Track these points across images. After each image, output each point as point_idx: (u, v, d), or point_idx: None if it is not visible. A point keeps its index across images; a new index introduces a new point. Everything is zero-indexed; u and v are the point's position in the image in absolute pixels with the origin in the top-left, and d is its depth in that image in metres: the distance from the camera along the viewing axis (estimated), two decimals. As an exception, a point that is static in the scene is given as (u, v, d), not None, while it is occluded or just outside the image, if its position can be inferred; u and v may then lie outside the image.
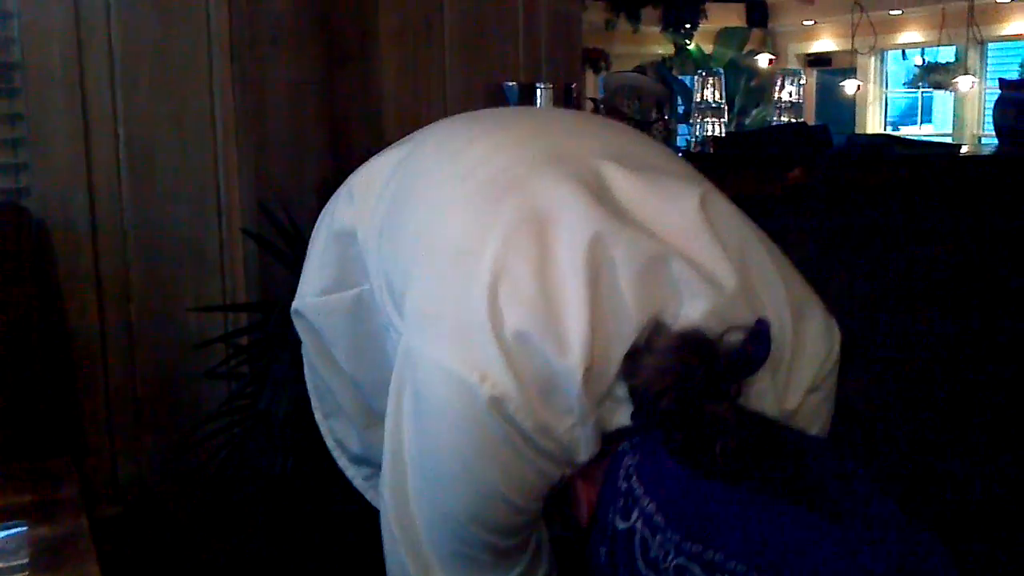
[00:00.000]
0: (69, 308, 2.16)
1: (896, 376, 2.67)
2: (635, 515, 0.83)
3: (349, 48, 2.34)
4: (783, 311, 0.93)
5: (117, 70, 2.14)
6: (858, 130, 11.46)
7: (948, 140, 10.87)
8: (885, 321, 2.74)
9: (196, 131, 2.21)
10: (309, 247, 1.25)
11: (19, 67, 2.10)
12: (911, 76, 10.65)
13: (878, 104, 11.61)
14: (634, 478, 0.85)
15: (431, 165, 1.05)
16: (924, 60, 10.60)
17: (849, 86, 11.16)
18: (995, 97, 3.67)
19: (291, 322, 1.99)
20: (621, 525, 0.84)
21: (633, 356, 0.87)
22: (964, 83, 9.85)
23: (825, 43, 11.72)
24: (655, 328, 0.88)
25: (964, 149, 3.85)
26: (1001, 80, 3.88)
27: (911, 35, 10.78)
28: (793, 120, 2.96)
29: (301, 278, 1.24)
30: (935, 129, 11.85)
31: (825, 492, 0.80)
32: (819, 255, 2.70)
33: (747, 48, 11.60)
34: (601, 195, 0.93)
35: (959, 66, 9.99)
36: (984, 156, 3.44)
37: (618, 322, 0.87)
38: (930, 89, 10.57)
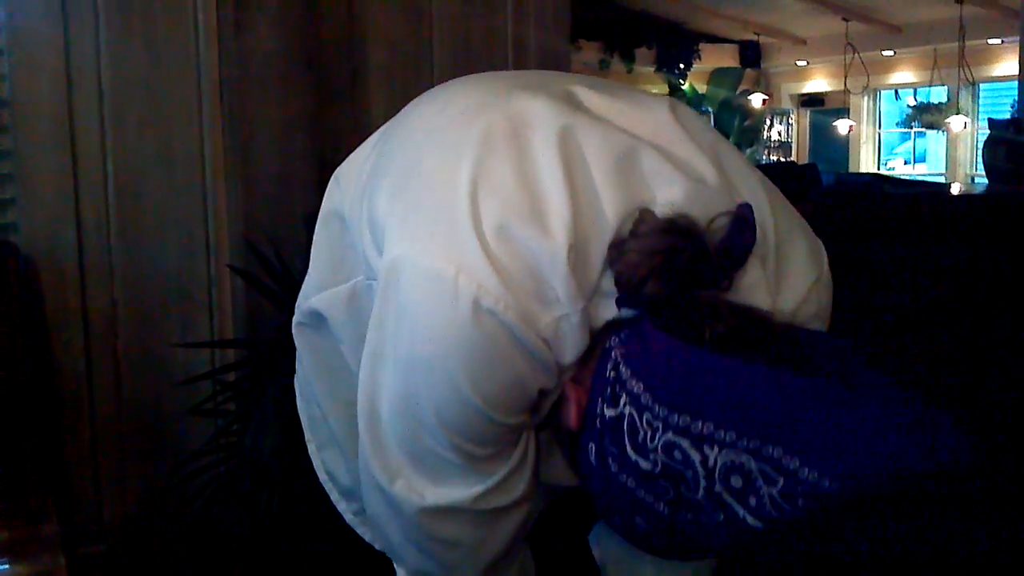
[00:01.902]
0: (55, 343, 2.15)
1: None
2: (623, 400, 0.81)
3: (338, 86, 2.35)
4: (763, 205, 0.92)
5: (106, 107, 2.15)
6: (852, 169, 11.53)
7: (941, 179, 10.94)
8: (876, 359, 2.73)
9: (184, 168, 2.21)
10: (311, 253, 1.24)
11: (8, 104, 2.11)
12: (904, 116, 10.73)
13: (871, 144, 11.69)
14: (622, 365, 0.82)
15: (409, 119, 1.03)
16: (917, 100, 10.69)
17: (842, 126, 11.24)
18: (987, 120, 3.72)
19: (278, 359, 2.00)
20: (609, 413, 0.83)
21: (617, 245, 0.85)
22: (956, 123, 9.93)
23: (818, 83, 11.82)
24: (639, 216, 0.86)
25: (954, 188, 3.87)
26: (990, 120, 3.92)
27: (904, 75, 10.88)
28: (782, 159, 2.97)
29: (303, 285, 1.22)
30: (928, 169, 11.92)
31: (820, 365, 0.78)
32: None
33: (741, 88, 11.70)
34: (573, 104, 0.94)
35: (951, 106, 10.08)
36: (973, 195, 3.46)
37: (597, 212, 0.85)
38: (923, 129, 10.64)
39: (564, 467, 1.01)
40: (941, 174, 10.91)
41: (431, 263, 0.84)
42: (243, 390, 2.10)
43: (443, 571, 0.98)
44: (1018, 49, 9.13)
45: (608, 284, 0.86)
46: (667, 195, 0.87)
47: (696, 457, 0.76)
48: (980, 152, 9.91)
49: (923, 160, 12.09)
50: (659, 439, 0.78)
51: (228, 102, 2.24)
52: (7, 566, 1.33)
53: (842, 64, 10.43)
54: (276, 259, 2.16)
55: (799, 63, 11.54)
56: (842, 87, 10.87)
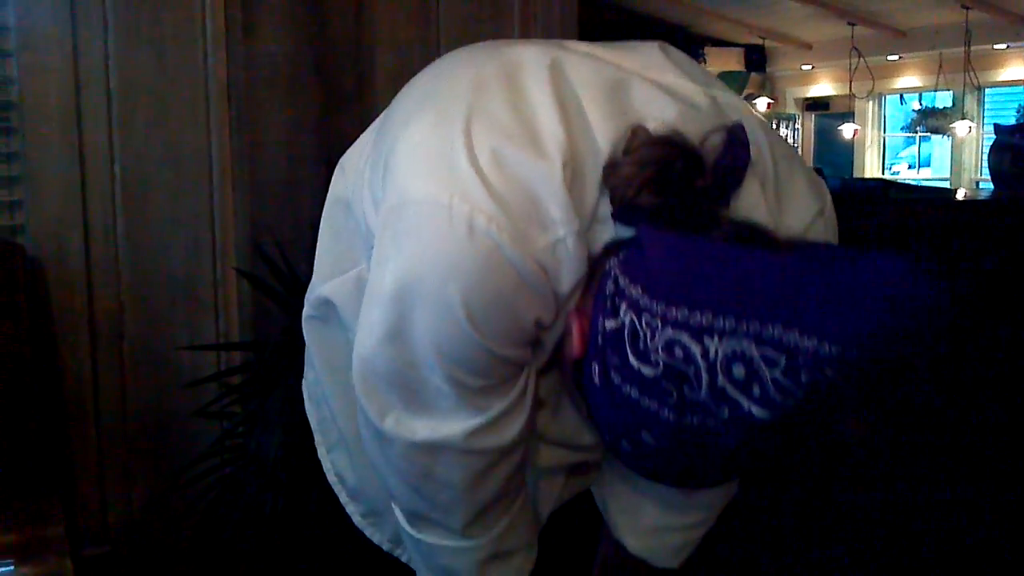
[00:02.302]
0: (61, 345, 2.16)
1: (895, 419, 2.67)
2: (622, 309, 0.80)
3: (345, 89, 2.36)
4: (757, 130, 0.92)
5: (114, 110, 2.16)
6: (856, 174, 11.52)
7: (946, 184, 10.93)
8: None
9: (192, 171, 2.22)
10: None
11: (16, 106, 2.12)
12: (909, 120, 10.72)
13: (876, 148, 11.68)
14: (620, 276, 0.82)
15: (405, 91, 1.03)
16: (922, 104, 10.68)
17: (847, 130, 11.24)
18: (992, 126, 3.72)
19: (284, 362, 2.00)
20: (610, 325, 0.81)
21: (611, 164, 0.85)
22: (961, 128, 9.92)
23: (823, 87, 11.81)
24: (632, 133, 0.86)
25: (960, 194, 3.87)
26: (996, 126, 3.92)
27: (909, 80, 10.87)
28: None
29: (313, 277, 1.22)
30: (933, 173, 11.92)
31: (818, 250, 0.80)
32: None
33: (746, 92, 11.69)
34: (563, 47, 0.96)
35: (956, 111, 10.07)
36: (978, 201, 3.46)
37: (589, 138, 0.85)
38: (928, 134, 10.63)
39: (572, 421, 1.02)
40: (946, 179, 10.90)
41: (427, 193, 0.84)
42: (249, 393, 2.11)
43: (435, 512, 0.98)
44: (1023, 54, 9.14)
45: (605, 208, 0.86)
46: (659, 117, 0.87)
47: (697, 350, 0.75)
48: (985, 157, 9.91)
49: (928, 164, 12.09)
50: (659, 338, 0.77)
51: (235, 105, 2.24)
52: (13, 568, 1.34)
53: (847, 68, 10.42)
54: (282, 262, 2.16)
55: (804, 67, 11.53)
56: (847, 91, 10.86)
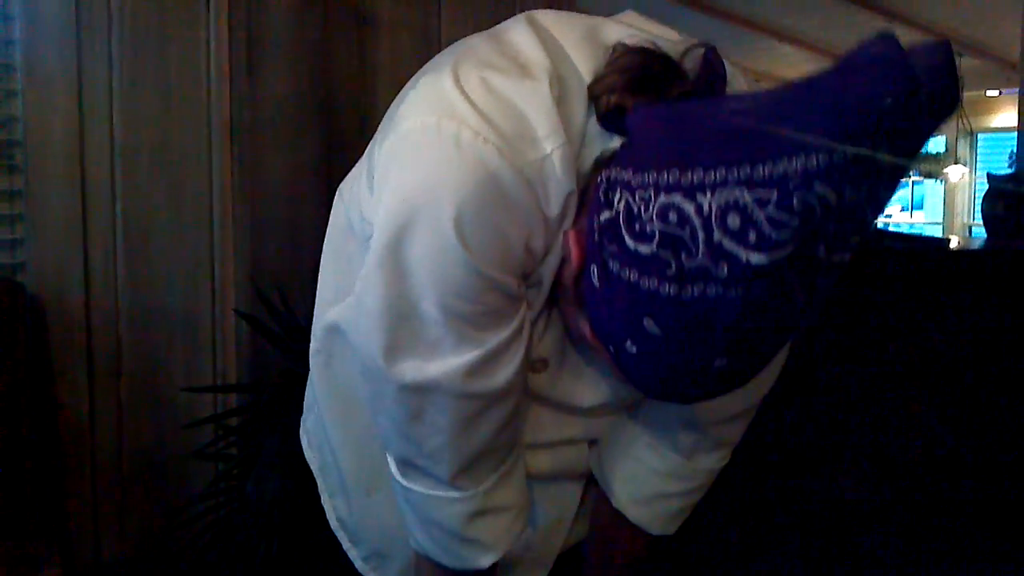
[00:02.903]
0: (59, 383, 2.15)
1: (888, 472, 2.66)
2: (616, 196, 0.80)
3: (348, 131, 2.37)
4: (733, 68, 0.93)
5: (117, 149, 2.17)
6: (850, 217, 11.57)
7: (939, 228, 10.99)
8: (877, 415, 2.74)
9: (193, 211, 2.23)
10: None
11: (21, 144, 2.13)
12: (901, 165, 10.79)
13: (869, 191, 11.75)
14: (611, 171, 0.82)
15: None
16: (915, 149, 10.76)
17: (840, 173, 11.30)
18: (984, 188, 3.74)
19: (282, 404, 2.00)
20: (605, 216, 0.81)
21: (595, 79, 0.87)
22: (954, 173, 9.99)
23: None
24: (612, 50, 0.88)
25: (953, 242, 3.89)
26: (989, 174, 3.93)
27: (902, 125, 10.96)
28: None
29: (315, 309, 1.22)
30: (926, 217, 11.99)
31: None
32: (809, 347, 2.71)
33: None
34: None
35: (949, 156, 10.15)
36: (972, 251, 3.48)
37: (571, 66, 0.88)
38: (921, 178, 10.71)
39: (574, 382, 1.02)
40: (939, 223, 10.97)
41: (416, 120, 0.85)
42: (246, 435, 2.10)
43: (424, 459, 0.98)
44: (1016, 101, 9.22)
45: (594, 129, 0.87)
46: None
47: (691, 209, 0.74)
48: (977, 202, 9.98)
49: (920, 207, 12.16)
50: (653, 208, 0.76)
51: (238, 145, 2.26)
52: (6, 610, 1.33)
53: (841, 112, 10.51)
54: (281, 303, 2.17)
55: (798, 110, 11.63)
56: (841, 135, 10.94)
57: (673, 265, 0.76)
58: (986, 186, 3.88)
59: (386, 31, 2.38)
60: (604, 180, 0.83)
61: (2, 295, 2.04)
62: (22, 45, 2.11)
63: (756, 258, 0.71)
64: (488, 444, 0.97)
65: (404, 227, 0.85)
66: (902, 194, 12.25)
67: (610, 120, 0.86)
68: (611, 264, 0.80)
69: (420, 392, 0.91)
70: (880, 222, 11.19)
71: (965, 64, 9.10)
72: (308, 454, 1.31)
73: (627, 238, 0.79)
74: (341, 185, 1.15)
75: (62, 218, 2.14)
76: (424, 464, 0.98)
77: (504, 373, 0.92)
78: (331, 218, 1.16)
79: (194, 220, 2.23)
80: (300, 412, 1.30)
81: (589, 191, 0.86)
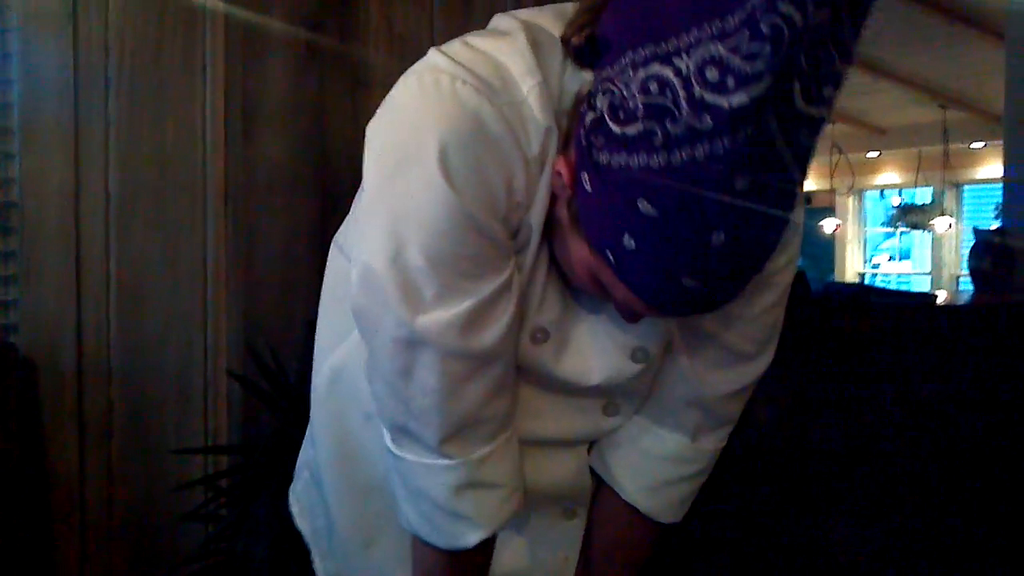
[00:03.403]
0: (50, 445, 2.15)
1: (880, 525, 2.67)
2: (598, 94, 0.83)
3: (344, 193, 2.40)
4: None
5: (112, 211, 2.19)
6: (838, 268, 11.66)
7: (927, 279, 11.06)
8: (868, 470, 2.74)
9: (187, 273, 2.24)
10: None
11: (17, 206, 2.15)
12: (889, 216, 10.90)
13: (857, 242, 11.83)
14: (592, 81, 0.86)
15: None
16: (902, 200, 10.86)
17: (828, 225, 11.39)
18: (971, 239, 3.80)
19: (272, 466, 2.00)
20: (590, 118, 0.84)
21: (566, 26, 0.92)
22: (941, 224, 10.08)
23: (805, 183, 11.99)
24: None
25: (940, 297, 3.93)
26: (975, 229, 3.99)
27: (889, 176, 11.08)
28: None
29: (314, 354, 1.22)
30: (914, 267, 12.06)
31: None
32: (801, 403, 2.73)
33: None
34: None
35: (936, 207, 10.24)
36: (959, 306, 3.51)
37: (543, 30, 0.93)
38: (908, 229, 10.80)
39: (578, 357, 1.04)
40: (927, 273, 11.05)
41: (399, 83, 0.92)
42: (236, 497, 2.10)
43: (414, 421, 0.98)
44: (1000, 152, 9.35)
45: (570, 72, 0.91)
46: None
47: (669, 73, 0.77)
48: (964, 252, 10.06)
49: (908, 257, 12.24)
50: (635, 86, 0.79)
51: (232, 208, 2.28)
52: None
53: (828, 164, 10.62)
54: (274, 362, 2.18)
55: (786, 162, 11.72)
56: (828, 187, 11.04)
57: (659, 133, 0.78)
58: (972, 238, 3.93)
59: (380, 92, 2.39)
60: (587, 94, 0.87)
61: (-5, 357, 2.05)
62: (20, 108, 2.15)
63: (737, 99, 0.74)
64: (476, 411, 0.99)
65: (394, 169, 0.90)
66: (890, 243, 12.32)
67: (584, 58, 0.90)
68: (600, 159, 0.83)
69: (411, 347, 0.93)
70: (868, 273, 11.22)
71: (950, 117, 9.22)
72: (299, 522, 1.32)
73: (613, 127, 0.81)
74: (336, 235, 1.18)
75: (56, 279, 2.15)
76: (414, 427, 0.99)
77: (492, 332, 0.94)
78: (327, 269, 1.19)
79: (188, 280, 2.24)
80: (291, 475, 1.31)
81: (572, 125, 0.89)
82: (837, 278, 11.67)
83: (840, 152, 10.29)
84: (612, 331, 1.05)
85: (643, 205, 0.81)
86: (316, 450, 1.24)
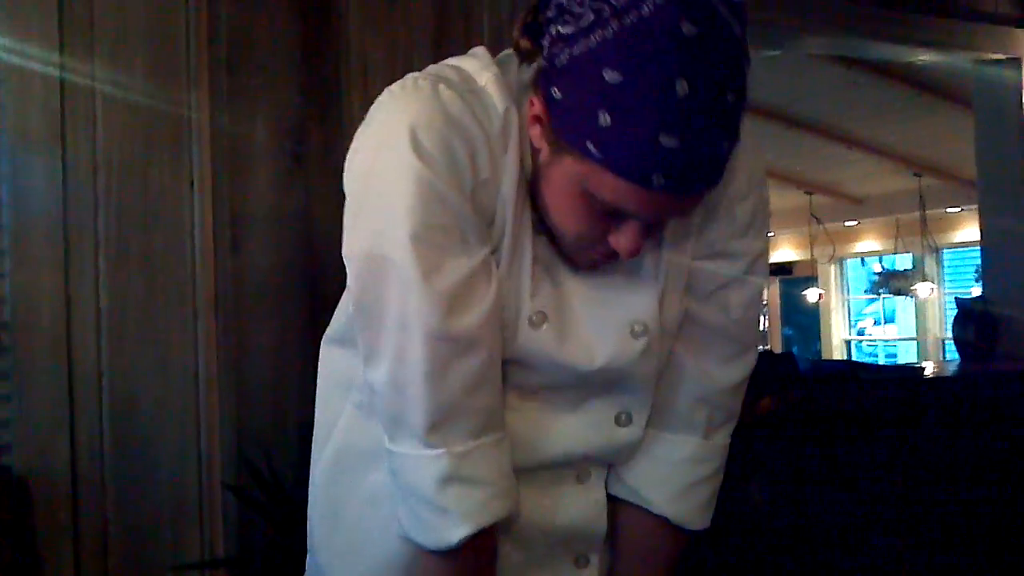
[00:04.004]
0: (46, 564, 2.13)
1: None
2: (551, 25, 0.97)
3: (332, 297, 2.41)
4: None
5: (104, 326, 2.21)
6: (823, 337, 11.72)
7: (913, 343, 11.12)
8: (861, 547, 2.74)
9: (179, 383, 2.26)
10: None
11: (8, 326, 2.16)
12: (872, 283, 11.00)
13: (841, 310, 11.91)
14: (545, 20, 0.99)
15: None
16: (883, 267, 10.97)
17: (811, 295, 11.47)
18: (953, 299, 3.88)
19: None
20: (546, 42, 0.98)
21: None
22: (923, 289, 10.16)
23: (785, 252, 12.12)
24: None
25: (928, 368, 3.96)
26: (957, 299, 4.05)
27: (868, 244, 11.20)
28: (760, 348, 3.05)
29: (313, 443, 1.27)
30: (898, 330, 12.14)
31: None
32: (793, 480, 2.73)
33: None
34: None
35: (917, 273, 10.34)
36: (946, 378, 3.54)
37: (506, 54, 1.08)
38: (891, 295, 10.89)
39: (581, 339, 1.09)
40: (913, 338, 11.11)
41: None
42: (234, 610, 2.09)
43: (405, 404, 1.04)
44: (976, 216, 9.46)
45: (525, 71, 1.05)
46: None
47: None
48: (947, 315, 10.14)
49: (892, 321, 12.31)
50: None
51: (222, 317, 2.30)
52: None
53: (807, 234, 10.74)
54: (268, 471, 2.18)
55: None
56: (809, 256, 11.15)
57: (606, 6, 0.90)
58: (955, 304, 3.99)
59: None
60: (544, 27, 0.99)
61: (-12, 478, 2.05)
62: (10, 230, 2.17)
63: None
64: (460, 399, 1.03)
65: (376, 152, 1.02)
66: (874, 307, 12.39)
67: (529, 29, 1.03)
68: (563, 61, 0.95)
69: (402, 330, 1.01)
70: (854, 339, 11.24)
71: (925, 183, 9.37)
72: None
73: (568, 27, 0.94)
74: (325, 333, 1.23)
75: (49, 396, 2.16)
76: (405, 414, 1.04)
77: (472, 315, 1.02)
78: (320, 368, 1.25)
79: (179, 391, 2.25)
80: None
81: (534, 89, 1.02)
82: (823, 346, 11.73)
83: (819, 222, 10.42)
84: (608, 310, 1.11)
85: (608, 74, 0.90)
86: (316, 550, 1.25)
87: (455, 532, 1.05)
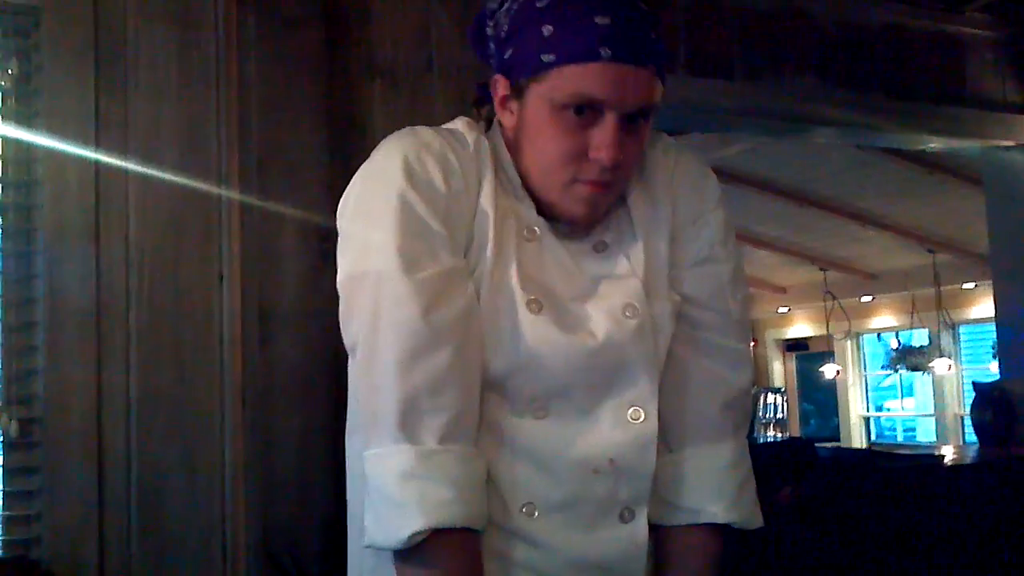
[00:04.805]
0: (71, 659, 2.15)
1: None
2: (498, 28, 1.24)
3: (354, 389, 2.46)
4: None
5: (133, 419, 2.25)
6: (842, 413, 11.64)
7: (931, 419, 11.05)
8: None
9: (206, 476, 2.29)
10: None
11: (40, 421, 2.21)
12: (889, 359, 10.96)
13: (859, 386, 11.85)
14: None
15: None
16: (899, 343, 10.94)
17: (828, 371, 11.43)
18: (972, 375, 3.88)
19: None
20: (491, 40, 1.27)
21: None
22: (940, 365, 10.12)
23: (801, 328, 12.11)
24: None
25: (946, 452, 3.95)
26: (975, 384, 4.05)
27: (884, 319, 11.19)
28: (779, 436, 3.07)
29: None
30: (916, 404, 12.05)
31: None
32: (814, 570, 2.72)
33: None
34: None
35: (934, 349, 10.30)
36: (966, 465, 3.54)
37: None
38: (908, 372, 10.84)
39: (581, 311, 1.22)
40: (931, 415, 11.04)
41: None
42: None
43: (377, 395, 1.14)
44: (991, 291, 9.42)
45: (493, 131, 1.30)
46: None
47: None
48: (965, 390, 10.08)
49: (911, 394, 12.23)
50: None
51: (250, 410, 2.34)
52: None
53: (823, 310, 10.75)
54: (293, 565, 2.19)
55: (781, 310, 11.86)
56: (825, 331, 11.14)
57: None
58: (974, 372, 3.98)
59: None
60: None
61: (17, 573, 2.07)
62: (45, 327, 2.22)
63: None
64: (427, 393, 1.11)
65: (360, 187, 1.23)
66: (892, 379, 12.29)
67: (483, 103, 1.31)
68: (505, 29, 1.21)
69: (376, 319, 1.14)
70: (872, 415, 11.13)
71: (939, 259, 9.39)
72: None
73: (502, 12, 1.23)
74: (346, 426, 1.33)
75: (79, 489, 2.19)
76: (378, 406, 1.13)
77: (445, 312, 1.13)
78: (347, 460, 1.33)
79: (206, 485, 2.28)
80: None
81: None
82: (841, 422, 11.65)
83: (833, 298, 10.43)
84: (598, 299, 1.23)
85: (540, 3, 1.17)
86: None
87: (409, 524, 1.09)
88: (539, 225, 1.24)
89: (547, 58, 1.15)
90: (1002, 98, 3.71)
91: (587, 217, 1.23)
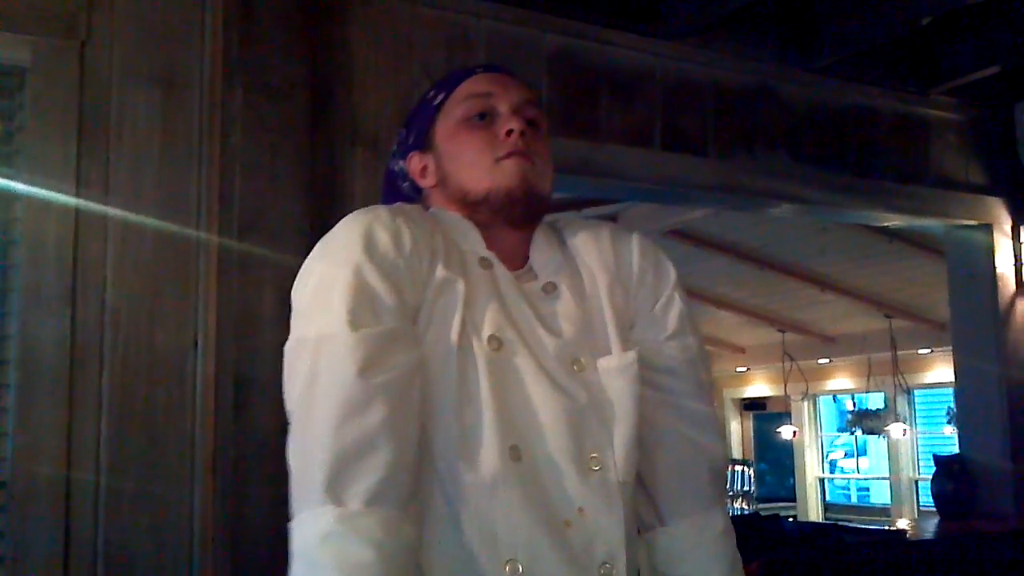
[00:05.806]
0: None
1: None
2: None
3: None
4: None
5: (103, 484, 2.22)
6: (798, 471, 11.72)
7: (885, 481, 11.14)
8: None
9: (174, 546, 2.26)
10: None
11: (4, 486, 2.17)
12: (845, 421, 11.05)
13: (815, 447, 11.95)
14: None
15: None
16: (855, 406, 11.05)
17: (785, 431, 11.51)
18: (927, 439, 3.93)
19: None
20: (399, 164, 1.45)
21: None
22: (896, 430, 10.23)
23: (759, 388, 12.20)
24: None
25: (910, 532, 3.99)
26: (935, 456, 4.10)
27: (841, 382, 11.31)
28: (745, 508, 3.08)
29: None
30: (870, 465, 12.16)
31: None
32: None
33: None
34: None
35: (889, 413, 10.42)
36: (929, 540, 3.57)
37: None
38: (863, 435, 10.94)
39: (541, 323, 1.29)
40: (886, 478, 11.14)
41: None
42: None
43: (310, 454, 1.12)
44: (949, 357, 9.55)
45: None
46: None
47: None
48: (920, 455, 10.20)
49: (864, 454, 12.34)
50: None
51: (220, 478, 2.31)
52: None
53: (781, 371, 10.84)
54: (261, 639, 2.16)
55: (739, 369, 11.96)
56: (783, 392, 11.23)
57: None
58: (928, 436, 4.03)
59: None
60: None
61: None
62: (16, 389, 2.19)
63: None
64: (357, 453, 1.10)
65: (313, 264, 1.25)
66: (846, 437, 12.40)
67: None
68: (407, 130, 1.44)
69: (314, 376, 1.15)
70: (827, 476, 11.22)
71: (896, 325, 9.53)
72: None
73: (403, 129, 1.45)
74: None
75: (44, 559, 2.16)
76: (308, 470, 1.11)
77: (384, 374, 1.14)
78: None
79: (174, 556, 2.25)
80: None
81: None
82: (797, 483, 11.72)
83: (791, 360, 10.54)
84: (550, 341, 1.28)
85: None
86: None
87: None
88: (493, 258, 1.32)
89: (438, 99, 1.38)
90: (965, 179, 3.81)
91: (523, 187, 1.32)
